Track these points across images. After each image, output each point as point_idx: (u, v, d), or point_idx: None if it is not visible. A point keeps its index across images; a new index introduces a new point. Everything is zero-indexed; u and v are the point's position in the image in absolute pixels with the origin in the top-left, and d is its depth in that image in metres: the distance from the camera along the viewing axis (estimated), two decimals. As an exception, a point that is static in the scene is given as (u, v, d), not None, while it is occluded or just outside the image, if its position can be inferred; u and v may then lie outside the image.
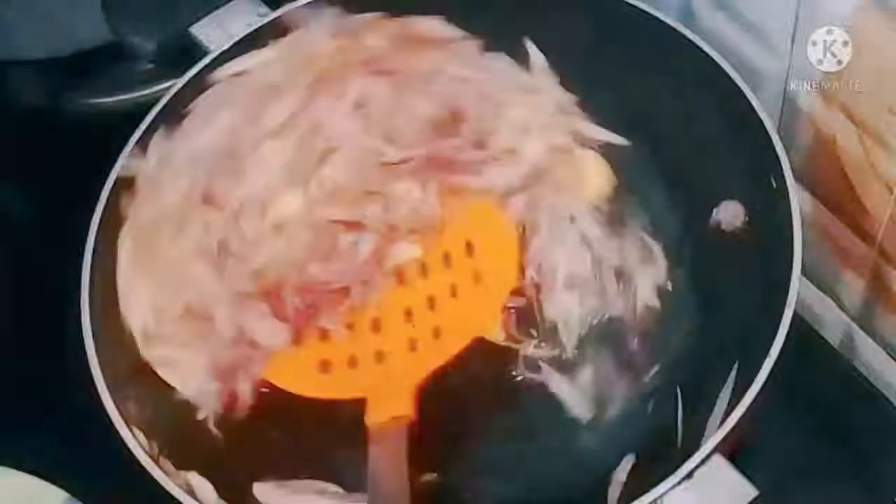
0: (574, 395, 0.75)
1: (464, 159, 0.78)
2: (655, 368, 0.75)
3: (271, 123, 0.79)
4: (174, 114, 0.78)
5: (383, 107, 0.79)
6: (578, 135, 0.80)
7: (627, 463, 0.72)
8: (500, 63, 0.82)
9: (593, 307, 0.77)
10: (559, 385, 0.76)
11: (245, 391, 0.73)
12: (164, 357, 0.74)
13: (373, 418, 0.70)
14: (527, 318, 0.77)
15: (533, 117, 0.80)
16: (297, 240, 0.77)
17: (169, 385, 0.73)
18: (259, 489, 0.73)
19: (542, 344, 0.76)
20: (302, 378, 0.74)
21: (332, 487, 0.73)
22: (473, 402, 0.76)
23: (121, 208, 0.76)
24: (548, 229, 0.78)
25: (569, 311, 0.76)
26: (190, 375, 0.73)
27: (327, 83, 0.80)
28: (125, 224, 0.76)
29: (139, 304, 0.74)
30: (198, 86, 0.80)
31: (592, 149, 0.80)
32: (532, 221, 0.78)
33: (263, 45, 0.81)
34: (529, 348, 0.76)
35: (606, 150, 0.80)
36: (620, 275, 0.77)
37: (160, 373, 0.73)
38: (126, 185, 0.76)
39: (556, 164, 0.79)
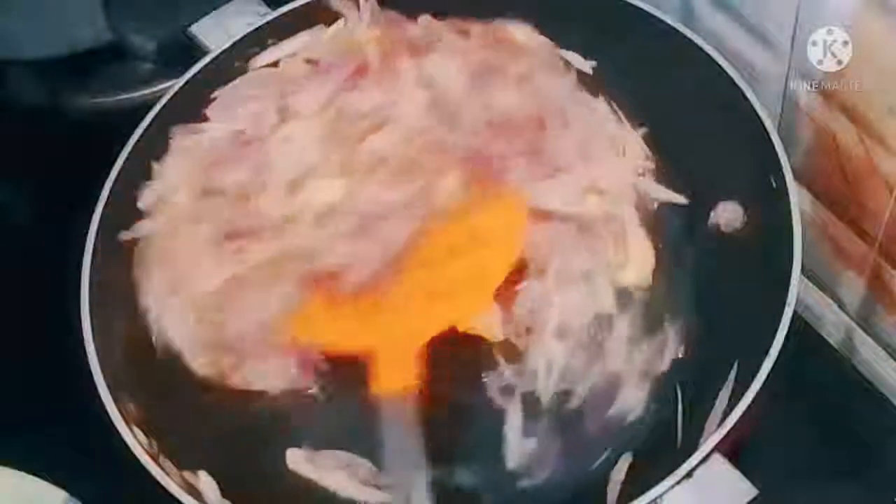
0: (515, 447, 0.74)
1: (517, 165, 0.79)
2: (605, 455, 0.73)
3: (305, 106, 0.80)
4: (191, 111, 0.80)
5: (453, 93, 0.80)
6: (643, 196, 0.80)
7: (625, 462, 0.72)
8: (598, 105, 0.82)
9: (581, 366, 0.75)
10: (512, 423, 0.74)
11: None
12: (243, 378, 0.76)
13: (382, 384, 0.72)
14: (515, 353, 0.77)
15: (610, 181, 0.79)
16: (329, 222, 0.78)
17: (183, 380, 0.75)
18: (291, 456, 0.74)
19: (523, 378, 0.76)
20: (311, 322, 0.76)
21: (364, 462, 0.73)
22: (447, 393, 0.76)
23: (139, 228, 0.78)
24: (555, 275, 0.77)
25: (553, 359, 0.75)
26: (270, 383, 0.76)
27: (378, 65, 0.81)
28: (144, 241, 0.77)
29: (181, 329, 0.76)
30: (213, 80, 0.81)
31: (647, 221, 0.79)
32: (541, 260, 0.78)
33: (295, 33, 0.83)
34: (508, 372, 0.76)
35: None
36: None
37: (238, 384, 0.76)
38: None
39: (602, 228, 0.78)
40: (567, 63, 0.82)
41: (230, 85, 0.82)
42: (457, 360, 0.76)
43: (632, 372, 0.75)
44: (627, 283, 0.77)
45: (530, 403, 0.75)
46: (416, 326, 0.75)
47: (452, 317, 0.75)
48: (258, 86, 0.82)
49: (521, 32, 0.83)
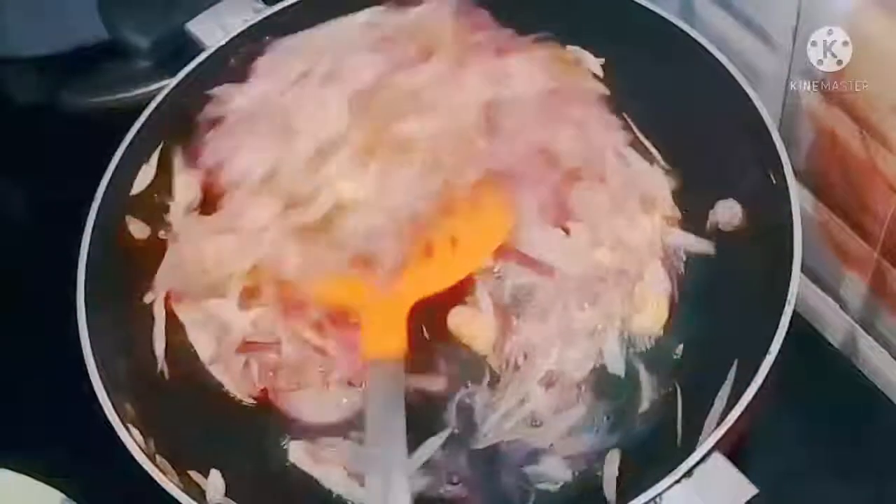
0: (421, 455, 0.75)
1: (534, 201, 0.77)
2: None
3: (353, 74, 0.76)
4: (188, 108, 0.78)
5: (514, 102, 0.77)
6: (669, 249, 0.79)
7: (614, 458, 0.72)
8: (640, 164, 0.81)
9: (541, 423, 0.75)
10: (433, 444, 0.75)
11: None
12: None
13: (370, 348, 0.73)
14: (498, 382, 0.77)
15: (633, 239, 0.78)
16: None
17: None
18: (293, 448, 0.75)
19: (485, 409, 0.76)
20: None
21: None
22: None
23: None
24: (556, 324, 0.77)
25: (525, 405, 0.75)
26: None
27: (449, 51, 0.77)
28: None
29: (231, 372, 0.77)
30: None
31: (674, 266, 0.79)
32: (541, 305, 0.77)
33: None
34: (480, 395, 0.76)
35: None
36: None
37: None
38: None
39: (613, 283, 0.77)
40: (625, 119, 0.81)
41: (282, 42, 0.79)
42: (457, 357, 0.77)
43: (563, 450, 0.75)
44: (634, 338, 0.77)
45: (468, 427, 0.75)
46: (400, 289, 0.74)
47: (433, 282, 0.75)
48: (312, 46, 0.79)
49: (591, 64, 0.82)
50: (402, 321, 0.73)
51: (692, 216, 0.79)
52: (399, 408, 0.69)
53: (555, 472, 0.74)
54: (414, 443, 0.72)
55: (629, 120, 0.81)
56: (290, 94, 0.76)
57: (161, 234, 0.78)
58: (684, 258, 0.79)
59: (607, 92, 0.80)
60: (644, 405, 0.75)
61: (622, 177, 0.79)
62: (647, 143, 0.80)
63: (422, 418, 0.74)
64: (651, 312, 0.77)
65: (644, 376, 0.76)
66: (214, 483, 0.70)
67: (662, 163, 0.80)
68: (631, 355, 0.77)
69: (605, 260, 0.77)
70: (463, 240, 0.76)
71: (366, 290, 0.74)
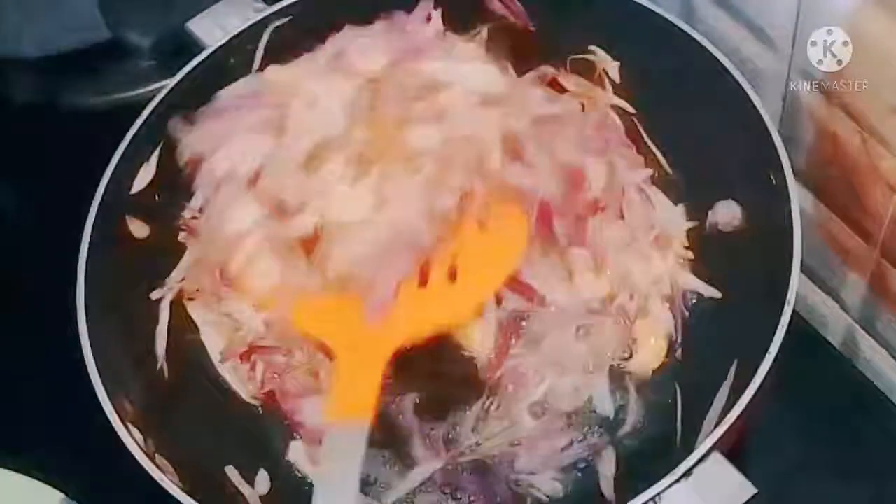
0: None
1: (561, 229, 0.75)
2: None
3: (361, 61, 0.71)
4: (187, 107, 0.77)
5: (535, 120, 0.73)
6: (676, 290, 0.78)
7: (609, 457, 0.72)
8: (660, 198, 0.80)
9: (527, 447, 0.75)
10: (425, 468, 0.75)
11: None
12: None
13: (335, 407, 0.68)
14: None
15: (641, 279, 0.77)
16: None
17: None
18: (293, 448, 0.76)
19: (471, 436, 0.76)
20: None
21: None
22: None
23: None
24: (548, 352, 0.76)
25: (511, 433, 0.75)
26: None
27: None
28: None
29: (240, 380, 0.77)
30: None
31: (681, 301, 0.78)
32: (537, 328, 0.77)
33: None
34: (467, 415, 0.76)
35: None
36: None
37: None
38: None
39: (613, 321, 0.77)
40: (653, 155, 0.80)
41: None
42: (452, 384, 0.77)
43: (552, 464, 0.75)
44: (628, 373, 0.77)
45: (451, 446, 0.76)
46: (386, 327, 0.69)
47: (423, 323, 0.70)
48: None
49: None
50: (378, 376, 0.67)
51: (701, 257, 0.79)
52: (355, 474, 0.64)
53: (544, 484, 0.74)
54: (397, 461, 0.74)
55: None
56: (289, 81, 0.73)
57: (181, 237, 0.78)
58: (693, 301, 0.78)
59: (633, 110, 0.80)
60: (636, 423, 0.75)
61: (641, 215, 0.78)
62: (649, 142, 0.81)
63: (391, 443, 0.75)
64: (648, 351, 0.77)
65: (635, 403, 0.76)
66: (261, 484, 0.72)
67: (663, 163, 0.80)
68: (624, 387, 0.77)
69: (607, 295, 0.77)
70: (464, 271, 0.70)
71: (348, 325, 0.69)
